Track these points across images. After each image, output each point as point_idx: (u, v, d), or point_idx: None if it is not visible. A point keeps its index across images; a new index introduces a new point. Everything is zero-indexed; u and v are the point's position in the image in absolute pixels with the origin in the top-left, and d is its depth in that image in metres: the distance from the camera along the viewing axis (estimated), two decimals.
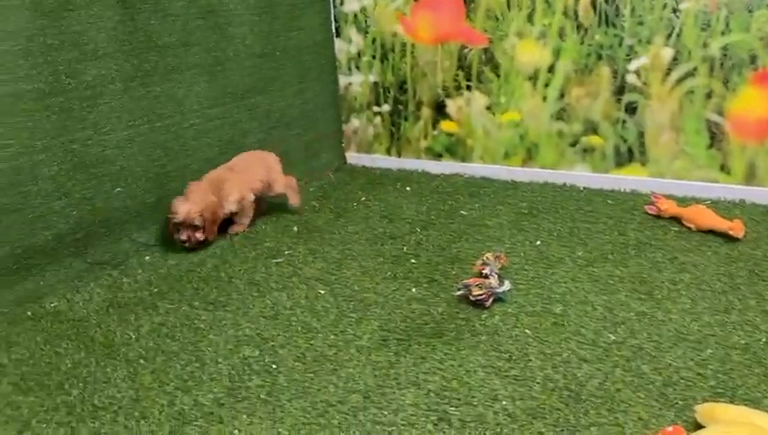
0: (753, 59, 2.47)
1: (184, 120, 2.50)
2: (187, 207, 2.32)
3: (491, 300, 1.96)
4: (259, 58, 2.80)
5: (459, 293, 2.00)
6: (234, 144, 2.73)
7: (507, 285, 1.99)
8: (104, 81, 2.20)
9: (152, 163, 2.40)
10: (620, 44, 2.69)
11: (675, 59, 2.61)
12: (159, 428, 1.50)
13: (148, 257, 2.38)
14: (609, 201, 2.70)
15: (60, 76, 2.07)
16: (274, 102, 2.91)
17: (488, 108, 3.04)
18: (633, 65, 2.68)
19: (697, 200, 2.60)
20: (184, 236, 2.35)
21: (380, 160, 3.41)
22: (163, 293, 2.14)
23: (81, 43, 2.11)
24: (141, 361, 1.76)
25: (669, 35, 2.60)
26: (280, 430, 1.47)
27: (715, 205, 2.55)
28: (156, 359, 1.77)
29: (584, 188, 2.87)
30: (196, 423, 1.51)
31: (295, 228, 2.62)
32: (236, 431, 1.47)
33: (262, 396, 1.59)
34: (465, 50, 3.01)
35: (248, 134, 2.79)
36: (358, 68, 3.30)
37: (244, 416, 1.52)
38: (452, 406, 1.52)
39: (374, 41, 3.22)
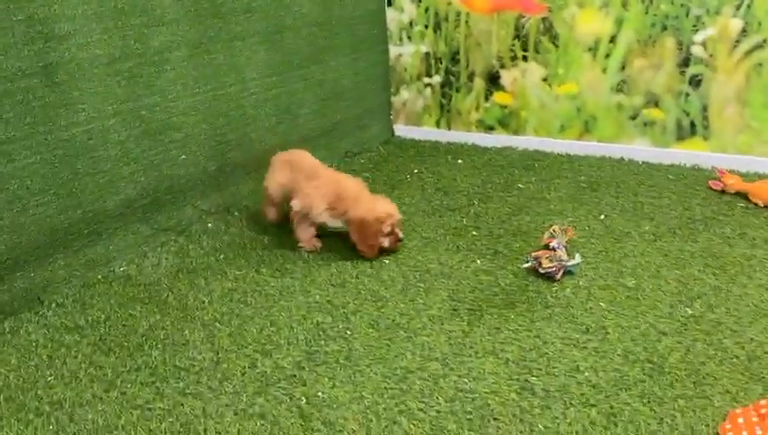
0: None
1: (244, 89, 2.50)
2: (389, 206, 2.12)
3: (561, 273, 1.94)
4: (315, 27, 2.77)
5: (527, 265, 1.99)
6: (290, 114, 2.72)
7: (578, 259, 1.97)
8: (170, 47, 2.19)
9: (215, 131, 2.41)
10: (687, 15, 2.61)
11: (743, 30, 2.53)
12: (243, 389, 1.52)
13: (210, 224, 2.40)
14: (671, 176, 2.65)
15: (129, 41, 2.07)
16: (328, 72, 2.88)
17: (545, 79, 2.98)
18: (699, 37, 2.60)
19: (761, 176, 2.54)
20: (402, 234, 2.13)
21: (429, 133, 3.38)
22: (230, 259, 2.16)
23: (149, 8, 2.11)
24: (217, 324, 1.79)
25: (739, 6, 2.52)
26: (363, 393, 1.48)
27: None
28: (231, 322, 1.80)
29: (643, 162, 2.82)
30: (279, 385, 1.53)
31: None
32: (320, 394, 1.49)
33: (340, 361, 1.61)
34: (523, 19, 2.95)
35: (303, 104, 2.78)
36: (409, 38, 3.26)
37: (326, 379, 1.54)
38: (533, 376, 1.52)
39: (427, 10, 3.17)
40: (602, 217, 2.33)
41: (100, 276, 2.07)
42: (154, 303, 1.91)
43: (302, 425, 1.40)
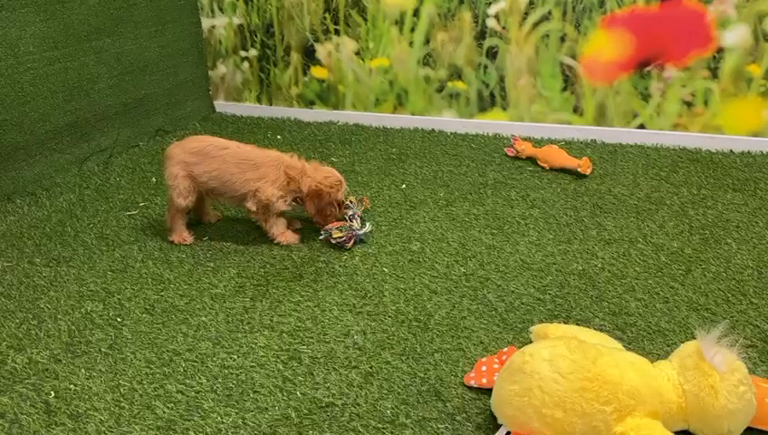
0: (602, 2, 2.58)
1: (19, 64, 2.27)
2: (337, 173, 2.03)
3: (352, 242, 1.96)
4: None
5: (322, 237, 1.99)
6: (81, 90, 2.52)
7: (368, 227, 2.01)
8: None
9: None
10: None
11: (531, 3, 2.68)
12: None
13: None
14: (473, 145, 2.78)
15: None
16: (127, 45, 2.70)
17: (357, 53, 3.00)
18: (493, 9, 2.73)
19: (553, 141, 2.72)
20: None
21: (251, 108, 3.30)
22: (1, 250, 1.97)
23: None
24: None
25: None
26: (121, 381, 1.41)
27: (569, 145, 2.69)
28: None
29: (451, 133, 2.93)
30: (28, 381, 1.41)
31: (154, 180, 2.49)
32: (72, 386, 1.39)
33: (103, 350, 1.51)
34: None
35: (97, 79, 2.59)
36: (221, 10, 3.14)
37: (83, 370, 1.44)
38: (304, 344, 1.52)
39: None
40: (404, 186, 2.40)
41: None
42: None
43: (45, 420, 1.30)
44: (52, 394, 1.37)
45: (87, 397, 1.36)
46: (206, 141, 2.02)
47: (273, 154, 2.02)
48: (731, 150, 2.56)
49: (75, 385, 1.40)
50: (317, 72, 3.11)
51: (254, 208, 1.97)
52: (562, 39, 2.68)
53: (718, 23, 2.44)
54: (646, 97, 2.64)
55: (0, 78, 2.22)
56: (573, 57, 2.69)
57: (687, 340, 1.43)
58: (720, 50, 2.48)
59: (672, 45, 2.55)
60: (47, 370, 1.45)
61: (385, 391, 1.36)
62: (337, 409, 1.32)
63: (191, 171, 1.96)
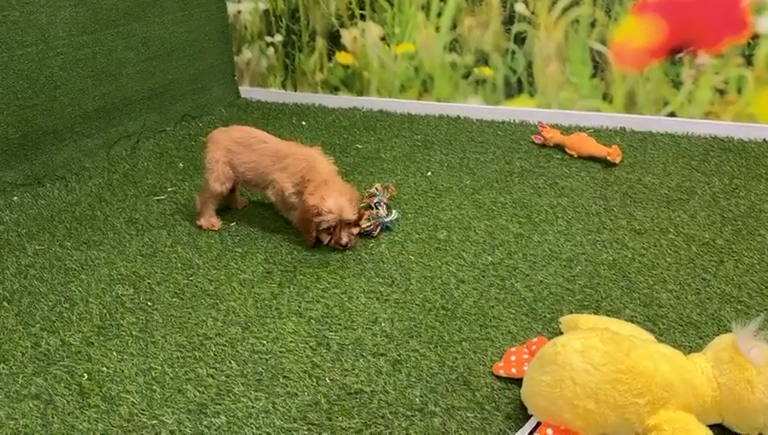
0: None
1: (49, 49, 2.29)
2: (342, 203, 1.84)
3: (378, 229, 1.96)
4: None
5: None
6: (109, 75, 2.54)
7: (394, 214, 2.00)
8: None
9: (15, 95, 2.20)
10: None
11: None
12: (21, 370, 1.42)
13: (16, 198, 2.21)
14: (500, 132, 2.75)
15: None
16: (153, 30, 2.71)
17: (383, 38, 2.98)
18: None
19: (582, 129, 2.68)
20: (345, 239, 1.87)
21: (276, 94, 3.30)
22: (32, 234, 2.00)
23: None
24: (5, 303, 1.65)
25: None
26: (152, 364, 1.43)
27: (598, 133, 2.65)
28: (21, 301, 1.67)
29: (477, 119, 2.90)
30: (62, 363, 1.44)
31: (181, 165, 2.50)
32: (105, 369, 1.42)
33: (134, 333, 1.53)
34: None
35: (125, 64, 2.60)
36: None
37: (115, 353, 1.47)
38: (332, 331, 1.53)
39: None
40: (429, 173, 2.38)
41: None
42: None
43: (79, 402, 1.32)
44: (85, 376, 1.40)
45: (119, 380, 1.38)
46: (252, 133, 2.03)
47: (306, 150, 1.96)
48: (764, 139, 2.50)
49: (107, 368, 1.42)
50: (342, 57, 3.10)
51: (273, 198, 1.98)
52: (592, 25, 2.63)
53: (754, 8, 2.38)
54: (677, 84, 2.59)
55: (31, 63, 2.24)
56: (603, 43, 2.64)
57: (720, 332, 1.41)
58: (755, 36, 2.41)
59: (705, 32, 2.48)
60: (80, 352, 1.47)
61: (413, 379, 1.36)
62: (366, 396, 1.32)
63: (231, 159, 1.98)
